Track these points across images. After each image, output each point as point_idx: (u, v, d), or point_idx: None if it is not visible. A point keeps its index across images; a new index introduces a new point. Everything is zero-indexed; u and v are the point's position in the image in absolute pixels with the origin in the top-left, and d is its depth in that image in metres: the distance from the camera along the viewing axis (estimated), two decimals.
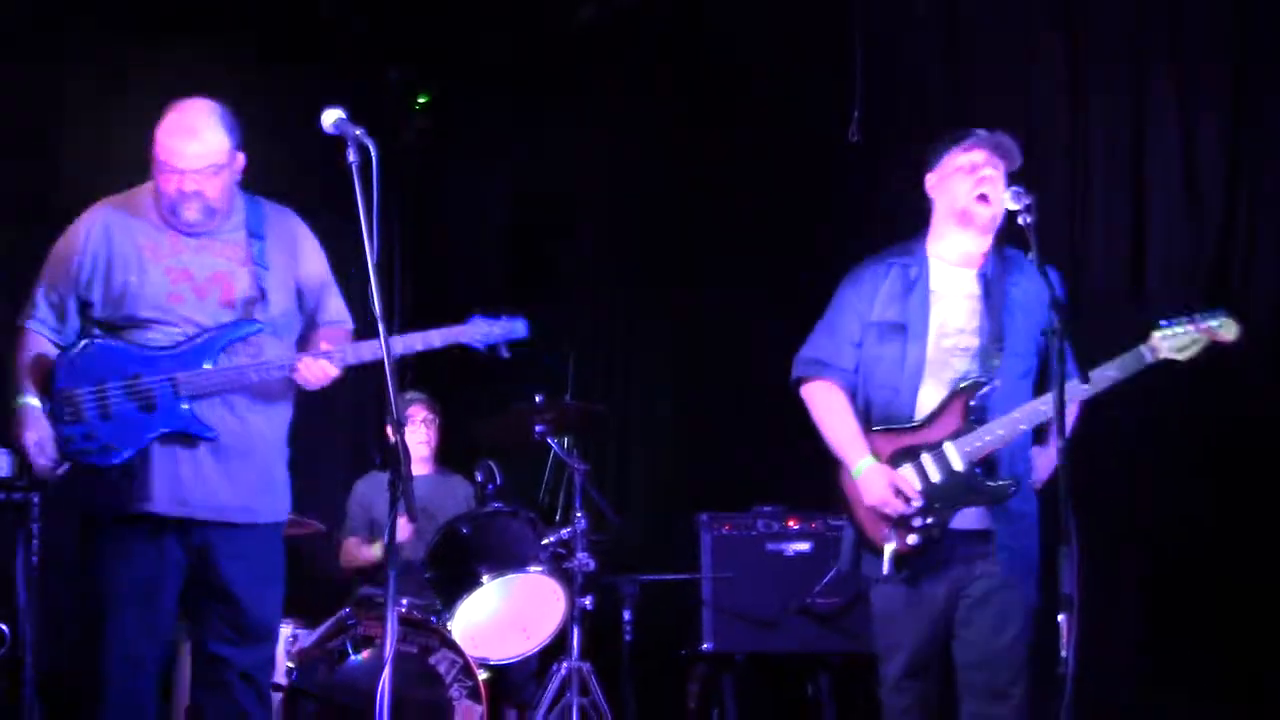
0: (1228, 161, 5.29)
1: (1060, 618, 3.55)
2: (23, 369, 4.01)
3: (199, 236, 4.08)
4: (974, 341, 4.11)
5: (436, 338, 4.13)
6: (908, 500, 4.04)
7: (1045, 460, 4.17)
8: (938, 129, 5.78)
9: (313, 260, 4.28)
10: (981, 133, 4.18)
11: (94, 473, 3.91)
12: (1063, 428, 3.65)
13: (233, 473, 4.03)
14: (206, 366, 3.97)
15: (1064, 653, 3.54)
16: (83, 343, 3.95)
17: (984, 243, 4.13)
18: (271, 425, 4.15)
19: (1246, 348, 5.02)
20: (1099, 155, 5.59)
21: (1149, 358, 3.92)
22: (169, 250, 4.05)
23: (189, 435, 3.95)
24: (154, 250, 4.04)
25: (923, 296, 4.17)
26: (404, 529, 5.64)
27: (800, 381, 4.36)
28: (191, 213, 4.04)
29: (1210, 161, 5.33)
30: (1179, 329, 3.91)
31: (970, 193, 4.12)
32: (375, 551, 5.99)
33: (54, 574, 5.05)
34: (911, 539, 4.06)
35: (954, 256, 4.20)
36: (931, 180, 4.26)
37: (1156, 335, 3.93)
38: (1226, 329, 3.93)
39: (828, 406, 4.28)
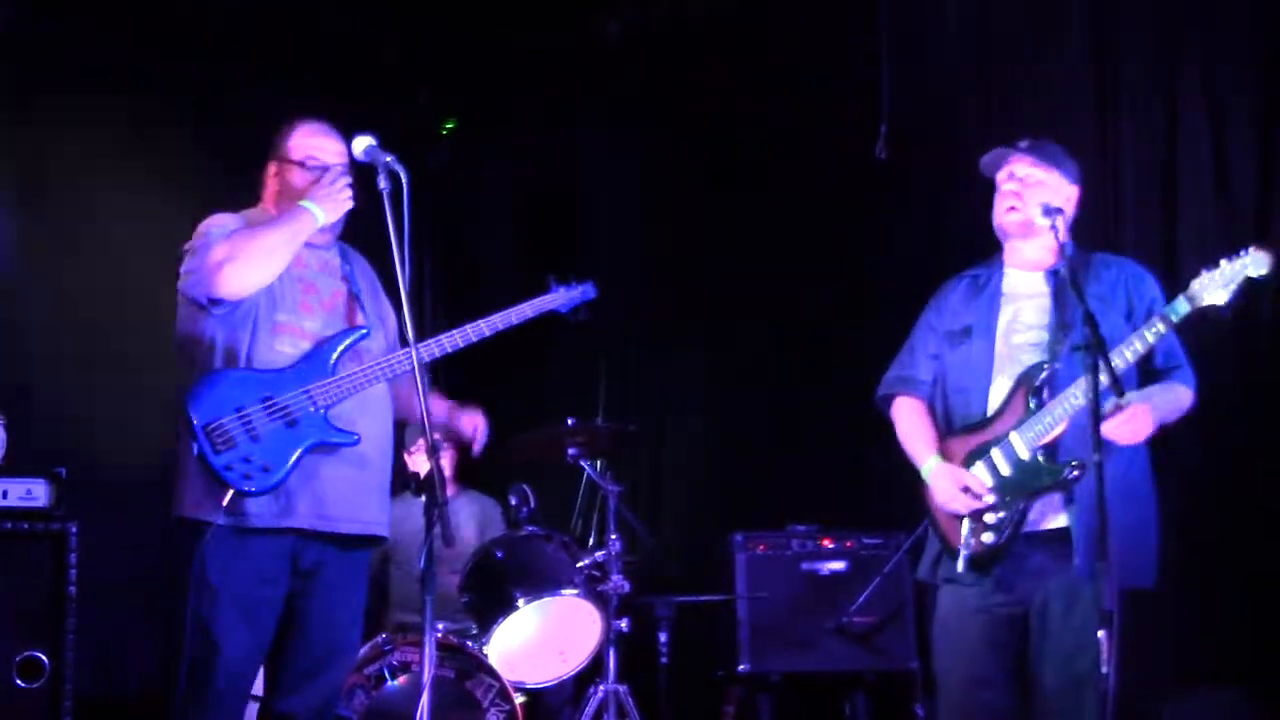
0: (1260, 162, 5.27)
1: (1100, 634, 3.52)
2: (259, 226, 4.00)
3: (317, 249, 4.13)
4: (1043, 337, 4.11)
5: (529, 309, 4.35)
6: (978, 497, 4.04)
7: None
8: (967, 139, 5.87)
9: (389, 306, 4.32)
10: (1019, 143, 4.23)
11: (253, 498, 3.82)
12: (1099, 442, 3.63)
13: (366, 483, 4.04)
14: (334, 359, 3.97)
15: (1104, 669, 3.52)
16: (208, 375, 3.88)
17: (1042, 246, 4.14)
18: (388, 434, 4.16)
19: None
20: (1129, 158, 5.58)
21: (1187, 306, 3.90)
22: (294, 264, 4.03)
23: (328, 446, 3.92)
24: None
25: (990, 298, 4.22)
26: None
27: (886, 400, 4.43)
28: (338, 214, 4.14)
29: (1242, 162, 5.30)
30: (1211, 273, 3.90)
31: (998, 207, 4.23)
32: None
33: (93, 603, 5.08)
34: (988, 537, 4.04)
35: (1022, 263, 4.24)
36: None
37: (1194, 284, 3.92)
38: (1256, 264, 3.89)
39: (904, 420, 4.35)
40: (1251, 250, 3.89)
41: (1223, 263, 3.89)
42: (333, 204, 4.04)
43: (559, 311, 4.48)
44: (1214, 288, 3.89)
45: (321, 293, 4.09)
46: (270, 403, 3.86)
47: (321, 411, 3.91)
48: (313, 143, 4.16)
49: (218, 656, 3.81)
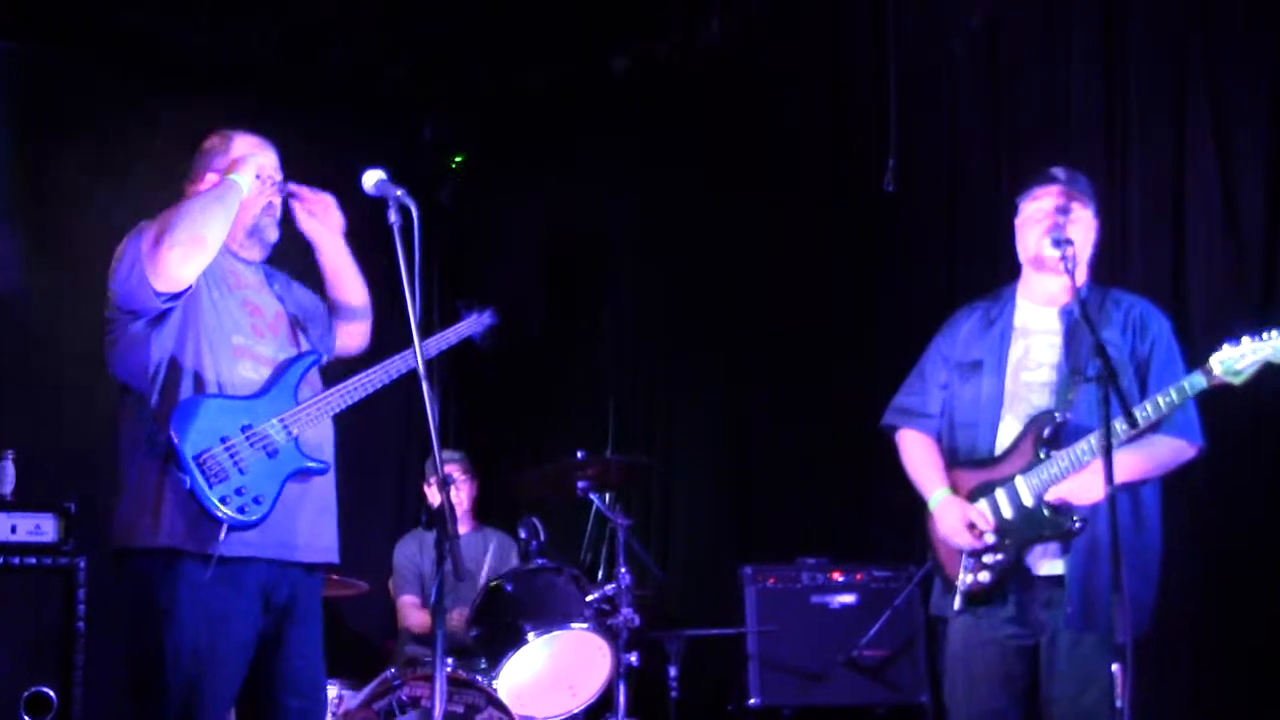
0: (1267, 187, 5.24)
1: (1114, 668, 3.51)
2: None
3: (251, 265, 4.04)
4: (1053, 376, 4.09)
5: (452, 335, 4.37)
6: (981, 534, 4.05)
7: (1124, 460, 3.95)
8: (975, 173, 5.87)
9: (306, 292, 4.22)
10: (1057, 174, 4.18)
11: (245, 530, 3.71)
12: (1110, 474, 3.61)
13: (329, 511, 3.98)
14: (295, 385, 3.89)
15: (1119, 703, 3.50)
16: (185, 402, 3.73)
17: (1065, 283, 4.03)
18: (332, 460, 4.07)
19: None
20: (1137, 183, 5.56)
21: (1204, 382, 3.85)
22: (237, 283, 3.97)
23: (304, 475, 3.85)
24: (226, 281, 3.94)
25: (1002, 333, 4.20)
26: (455, 619, 5.67)
27: (891, 429, 4.43)
28: (274, 232, 4.05)
29: (1251, 195, 5.29)
30: (1233, 350, 3.84)
31: (1039, 239, 4.11)
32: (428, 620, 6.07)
33: (101, 638, 5.07)
34: (984, 576, 4.05)
35: (1038, 297, 4.21)
36: (1018, 226, 4.25)
37: (1213, 359, 3.86)
38: (1278, 350, 3.80)
39: (913, 452, 4.35)
40: (1275, 333, 3.81)
41: (1245, 340, 3.82)
42: (249, 170, 3.92)
43: (473, 338, 4.47)
44: (1232, 366, 3.81)
45: (265, 314, 3.99)
46: (251, 432, 3.77)
47: (294, 440, 3.84)
48: (266, 157, 4.03)
49: (200, 699, 3.68)
